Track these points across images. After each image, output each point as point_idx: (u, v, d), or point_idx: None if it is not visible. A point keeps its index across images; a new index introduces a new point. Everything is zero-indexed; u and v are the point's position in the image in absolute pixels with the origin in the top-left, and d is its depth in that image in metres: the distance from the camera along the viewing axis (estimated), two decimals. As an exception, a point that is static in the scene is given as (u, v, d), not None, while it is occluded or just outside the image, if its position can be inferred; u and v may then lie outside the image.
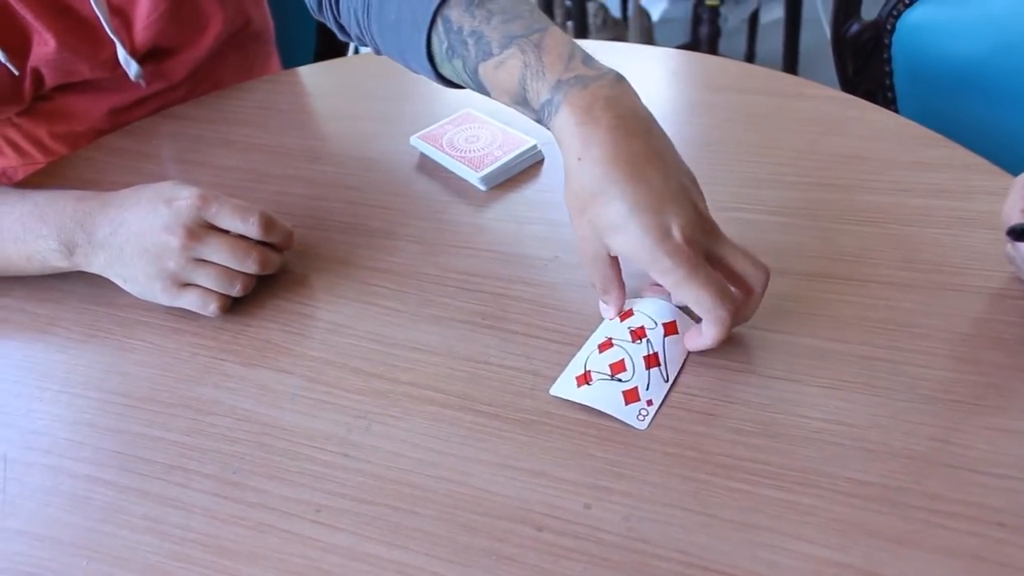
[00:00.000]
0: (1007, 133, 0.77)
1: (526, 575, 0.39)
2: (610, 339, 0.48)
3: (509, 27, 0.49)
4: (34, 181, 0.73)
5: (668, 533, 0.40)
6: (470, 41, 0.50)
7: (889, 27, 0.85)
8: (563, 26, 1.97)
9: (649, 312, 0.49)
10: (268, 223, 0.54)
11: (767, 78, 0.74)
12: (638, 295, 0.51)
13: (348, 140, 0.73)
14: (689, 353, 0.48)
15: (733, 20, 2.08)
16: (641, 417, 0.45)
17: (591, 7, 1.97)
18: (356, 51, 1.32)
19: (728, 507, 0.40)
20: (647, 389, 0.46)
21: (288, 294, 0.56)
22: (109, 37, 0.71)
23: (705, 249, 0.44)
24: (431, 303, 0.54)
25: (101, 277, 0.55)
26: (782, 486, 0.41)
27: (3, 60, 0.68)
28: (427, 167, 0.68)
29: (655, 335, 0.48)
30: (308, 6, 0.66)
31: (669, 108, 0.72)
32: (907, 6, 0.83)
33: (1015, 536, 0.38)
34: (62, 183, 0.70)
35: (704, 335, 0.45)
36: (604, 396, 0.46)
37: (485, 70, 0.50)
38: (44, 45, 0.69)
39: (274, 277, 0.57)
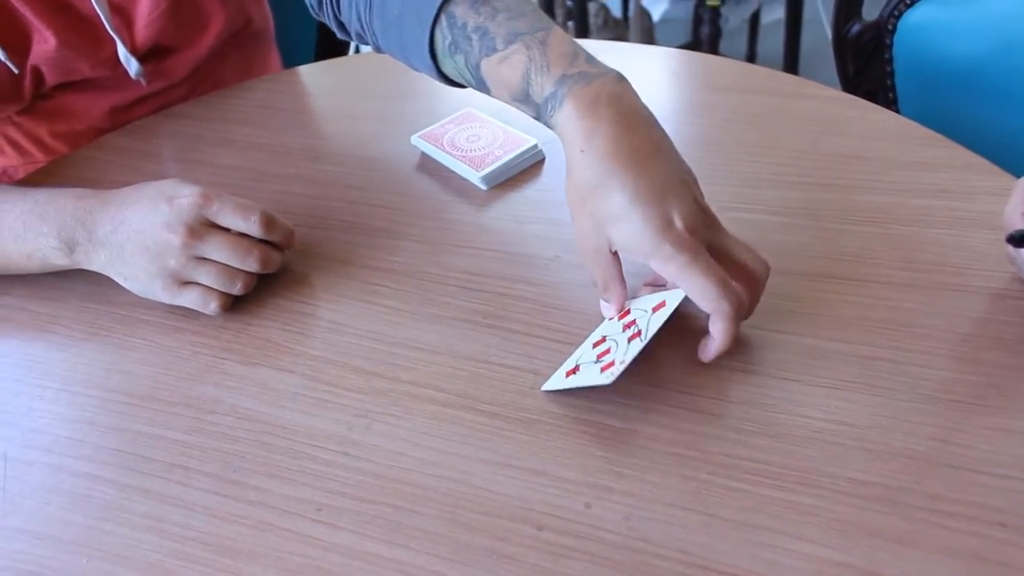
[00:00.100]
0: (1008, 133, 0.76)
1: (527, 574, 0.39)
2: (605, 337, 0.48)
3: (514, 24, 0.50)
4: (34, 180, 0.73)
5: (669, 532, 0.40)
6: (474, 37, 0.51)
7: (890, 27, 0.85)
8: (564, 26, 1.97)
9: (643, 306, 0.48)
10: (269, 221, 0.54)
11: (768, 78, 0.74)
12: (636, 295, 0.50)
13: (349, 139, 0.73)
14: (672, 314, 0.45)
15: (734, 20, 2.08)
16: (610, 376, 0.43)
17: (592, 7, 1.97)
18: (357, 50, 1.32)
19: (729, 507, 0.40)
20: (624, 356, 0.44)
21: (289, 293, 0.56)
22: (110, 35, 0.71)
23: (706, 240, 0.44)
24: (432, 302, 0.54)
25: (102, 275, 0.55)
26: (783, 486, 0.41)
27: (3, 58, 0.68)
28: (428, 166, 0.68)
29: (643, 318, 0.46)
30: (308, 5, 0.66)
31: (670, 108, 0.72)
32: (908, 6, 0.83)
33: (1016, 536, 0.38)
34: (62, 182, 0.70)
35: (714, 338, 0.44)
36: (586, 375, 0.45)
37: (488, 65, 0.51)
38: (44, 43, 0.69)
39: (275, 276, 0.57)
